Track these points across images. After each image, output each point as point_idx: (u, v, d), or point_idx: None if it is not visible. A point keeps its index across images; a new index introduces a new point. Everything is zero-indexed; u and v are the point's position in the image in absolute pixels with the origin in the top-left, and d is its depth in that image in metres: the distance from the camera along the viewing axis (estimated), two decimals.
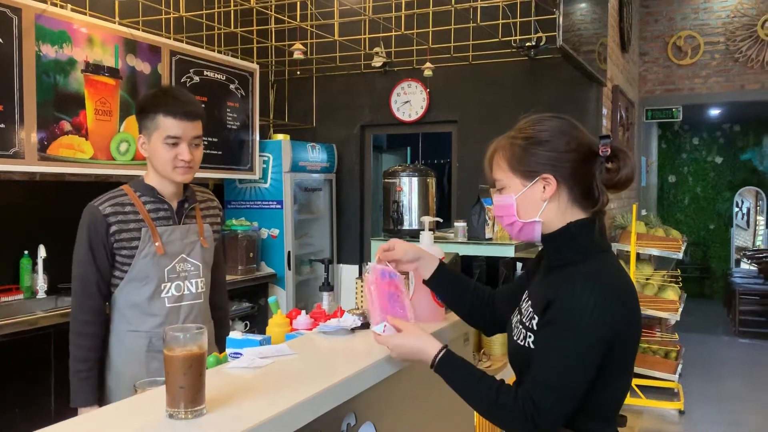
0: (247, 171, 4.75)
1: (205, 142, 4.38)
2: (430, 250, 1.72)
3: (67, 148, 3.40)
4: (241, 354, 1.51)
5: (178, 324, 1.99)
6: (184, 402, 1.02)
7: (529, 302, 1.40)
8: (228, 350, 1.65)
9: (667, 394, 4.97)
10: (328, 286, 1.96)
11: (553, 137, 1.35)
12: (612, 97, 5.23)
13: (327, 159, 5.23)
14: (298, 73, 5.38)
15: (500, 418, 1.31)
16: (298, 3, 4.11)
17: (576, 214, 1.37)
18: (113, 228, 1.93)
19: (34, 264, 3.47)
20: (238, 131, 4.65)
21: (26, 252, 3.48)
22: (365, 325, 1.66)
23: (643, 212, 6.37)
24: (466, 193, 4.81)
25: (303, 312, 1.86)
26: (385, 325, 1.43)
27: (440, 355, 1.36)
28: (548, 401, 1.24)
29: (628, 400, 4.74)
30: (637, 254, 4.92)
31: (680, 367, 5.08)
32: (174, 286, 2.01)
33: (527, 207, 1.37)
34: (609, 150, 1.34)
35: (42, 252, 3.44)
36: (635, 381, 4.80)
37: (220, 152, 4.49)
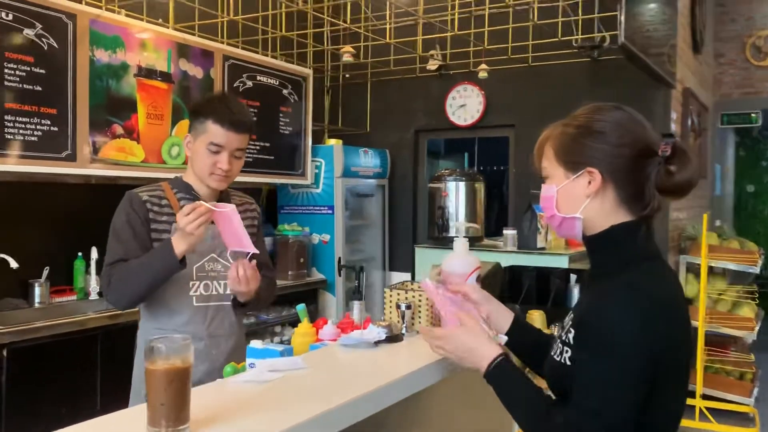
0: (299, 176, 4.72)
1: (258, 147, 4.40)
2: (465, 259, 1.60)
3: (118, 152, 3.44)
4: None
5: (203, 325, 1.99)
6: (165, 420, 0.93)
7: (571, 315, 1.29)
8: (247, 360, 1.57)
9: (741, 419, 4.62)
10: (359, 294, 1.86)
11: (608, 129, 1.24)
12: (682, 101, 4.92)
13: (380, 164, 5.15)
14: (347, 76, 5.33)
15: None
16: (349, 5, 4.03)
17: (622, 217, 1.25)
18: (150, 215, 1.95)
19: (88, 266, 3.53)
20: (290, 136, 4.63)
21: (80, 254, 3.54)
22: (390, 339, 1.54)
23: (717, 223, 5.98)
24: (523, 200, 4.63)
25: (329, 322, 1.77)
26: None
27: (496, 362, 1.26)
28: (597, 428, 1.12)
29: (698, 425, 4.44)
30: (710, 267, 4.60)
31: (756, 390, 4.74)
32: (202, 285, 1.99)
33: (568, 201, 1.27)
34: (669, 150, 1.22)
35: (95, 254, 3.49)
36: (706, 404, 4.50)
37: (272, 157, 4.48)
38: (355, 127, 5.42)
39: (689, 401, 4.57)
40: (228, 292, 2.06)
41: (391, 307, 1.67)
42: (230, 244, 1.85)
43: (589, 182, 1.24)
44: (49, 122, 3.11)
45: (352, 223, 4.99)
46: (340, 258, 4.72)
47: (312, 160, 4.78)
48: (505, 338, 1.43)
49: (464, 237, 1.58)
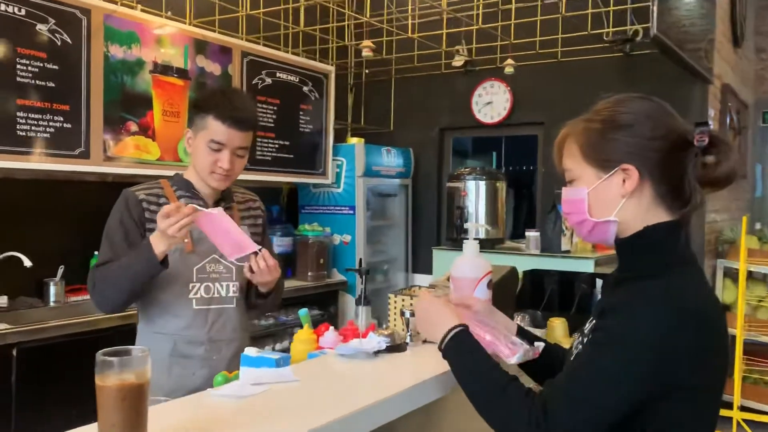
0: (320, 175, 4.63)
1: (277, 146, 4.32)
2: (475, 263, 1.47)
3: (133, 149, 3.39)
4: None
5: (204, 329, 1.90)
6: None
7: (592, 320, 1.17)
8: (241, 369, 1.47)
9: None
10: (364, 299, 1.75)
11: (638, 121, 1.14)
12: (721, 97, 4.69)
13: (403, 164, 5.03)
14: (367, 72, 5.21)
15: (499, 415, 1.08)
16: (368, 1, 3.92)
17: (659, 216, 1.13)
18: (146, 214, 1.86)
19: None
20: (311, 135, 4.54)
21: (96, 252, 3.49)
22: (392, 348, 1.43)
23: (758, 226, 5.71)
24: (551, 201, 4.46)
25: (331, 328, 1.66)
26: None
27: (454, 332, 1.19)
28: (564, 413, 1.02)
29: None
30: (749, 272, 4.37)
31: None
32: (203, 287, 1.90)
33: (601, 203, 1.16)
34: (706, 139, 1.10)
35: None
36: (743, 415, 4.29)
37: (292, 156, 4.39)
38: (379, 125, 5.30)
39: (726, 413, 4.35)
40: (231, 294, 1.97)
41: (396, 313, 1.55)
42: (230, 252, 1.73)
43: (624, 180, 1.14)
44: (62, 119, 3.06)
45: (374, 223, 4.88)
46: (361, 259, 4.61)
47: (333, 159, 4.68)
48: (542, 345, 1.34)
49: (475, 239, 1.45)
